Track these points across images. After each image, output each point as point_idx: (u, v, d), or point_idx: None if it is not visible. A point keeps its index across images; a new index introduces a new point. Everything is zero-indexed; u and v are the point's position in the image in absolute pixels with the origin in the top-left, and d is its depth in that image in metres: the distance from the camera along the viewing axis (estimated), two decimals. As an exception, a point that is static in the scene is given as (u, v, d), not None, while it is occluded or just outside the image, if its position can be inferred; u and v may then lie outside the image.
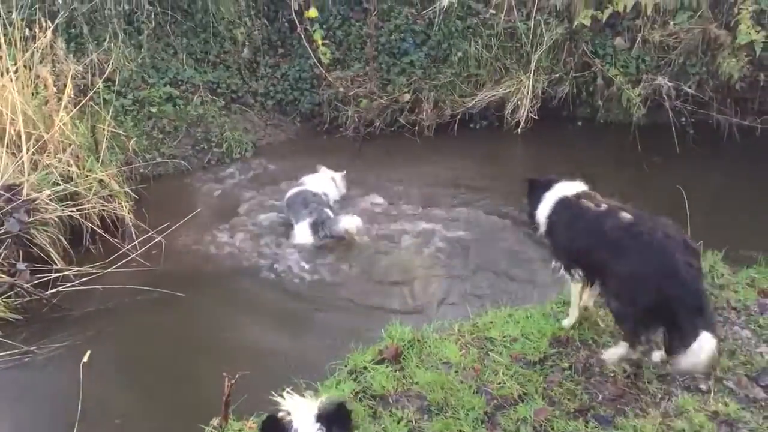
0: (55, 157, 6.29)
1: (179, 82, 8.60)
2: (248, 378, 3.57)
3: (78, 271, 5.69)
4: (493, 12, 8.96)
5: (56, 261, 5.76)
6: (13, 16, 6.70)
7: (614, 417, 3.60)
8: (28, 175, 5.97)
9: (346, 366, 4.21)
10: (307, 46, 8.41)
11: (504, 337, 4.33)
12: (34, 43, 6.72)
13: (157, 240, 6.02)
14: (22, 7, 7.59)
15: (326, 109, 9.23)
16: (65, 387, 4.54)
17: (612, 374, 3.92)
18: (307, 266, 6.14)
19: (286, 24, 9.47)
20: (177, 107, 8.32)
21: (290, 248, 6.43)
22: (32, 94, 6.58)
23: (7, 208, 5.62)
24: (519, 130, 8.76)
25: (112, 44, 8.17)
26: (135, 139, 7.60)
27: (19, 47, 6.59)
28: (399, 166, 8.22)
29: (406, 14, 9.19)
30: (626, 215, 3.87)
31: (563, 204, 4.25)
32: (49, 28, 6.79)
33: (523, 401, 3.75)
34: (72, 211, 6.11)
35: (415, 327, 4.48)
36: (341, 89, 8.97)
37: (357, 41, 9.27)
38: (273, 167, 8.35)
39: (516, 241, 6.38)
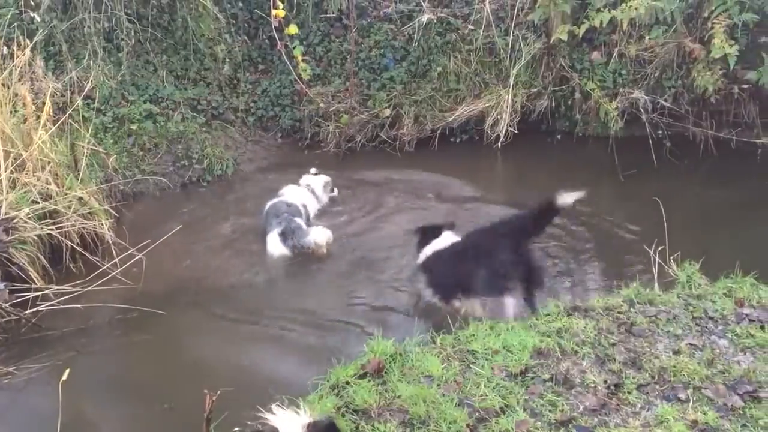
0: (33, 175, 6.21)
1: (159, 99, 8.54)
2: (229, 395, 3.55)
3: (58, 289, 5.61)
4: (472, 28, 9.07)
5: (36, 280, 5.69)
6: (-10, 35, 6.67)
7: (595, 428, 3.61)
8: (7, 193, 5.91)
9: (328, 381, 4.18)
10: (288, 63, 8.43)
11: (486, 349, 4.33)
12: (13, 62, 6.68)
13: (137, 258, 5.94)
14: (0, 25, 7.56)
15: (307, 124, 9.25)
16: (46, 407, 4.44)
17: (593, 385, 3.94)
18: (288, 284, 6.12)
19: (267, 40, 9.51)
20: (157, 124, 8.26)
21: (273, 266, 6.41)
22: (11, 112, 6.49)
23: (-15, 227, 5.57)
24: (499, 144, 8.82)
25: (91, 62, 8.09)
26: (115, 156, 7.57)
27: (-2, 66, 6.54)
28: (380, 181, 8.26)
29: (386, 30, 9.28)
30: None
31: None
32: (28, 46, 6.76)
33: (504, 413, 3.75)
34: (51, 230, 6.04)
35: (397, 340, 4.49)
36: (322, 105, 9.00)
37: (337, 57, 9.34)
38: (254, 183, 8.34)
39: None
